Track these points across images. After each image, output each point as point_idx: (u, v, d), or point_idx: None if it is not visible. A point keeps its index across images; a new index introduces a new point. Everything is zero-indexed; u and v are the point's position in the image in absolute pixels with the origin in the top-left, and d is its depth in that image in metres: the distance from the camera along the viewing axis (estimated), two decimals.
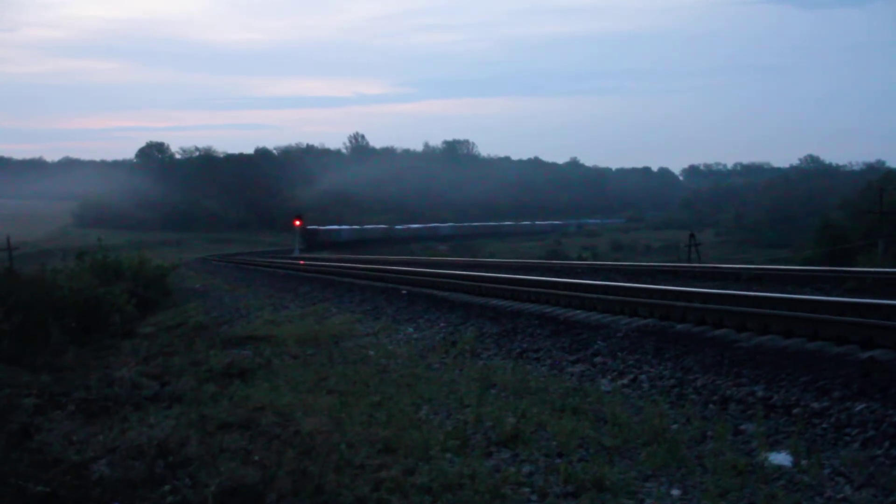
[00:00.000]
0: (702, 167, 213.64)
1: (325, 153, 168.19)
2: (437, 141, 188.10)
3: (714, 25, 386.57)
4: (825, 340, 8.49)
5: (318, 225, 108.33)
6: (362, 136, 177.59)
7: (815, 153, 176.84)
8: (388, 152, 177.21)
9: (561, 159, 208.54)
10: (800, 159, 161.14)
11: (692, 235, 44.36)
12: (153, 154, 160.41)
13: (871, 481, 5.17)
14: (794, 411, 6.62)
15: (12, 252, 43.10)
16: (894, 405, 6.32)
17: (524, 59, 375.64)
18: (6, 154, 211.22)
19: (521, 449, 6.22)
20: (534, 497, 5.26)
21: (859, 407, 6.43)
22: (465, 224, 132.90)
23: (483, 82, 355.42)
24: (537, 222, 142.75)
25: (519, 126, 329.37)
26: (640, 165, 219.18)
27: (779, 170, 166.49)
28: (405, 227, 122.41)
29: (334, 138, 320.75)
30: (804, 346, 8.47)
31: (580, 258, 54.11)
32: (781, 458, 5.68)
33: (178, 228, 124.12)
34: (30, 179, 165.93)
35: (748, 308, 10.03)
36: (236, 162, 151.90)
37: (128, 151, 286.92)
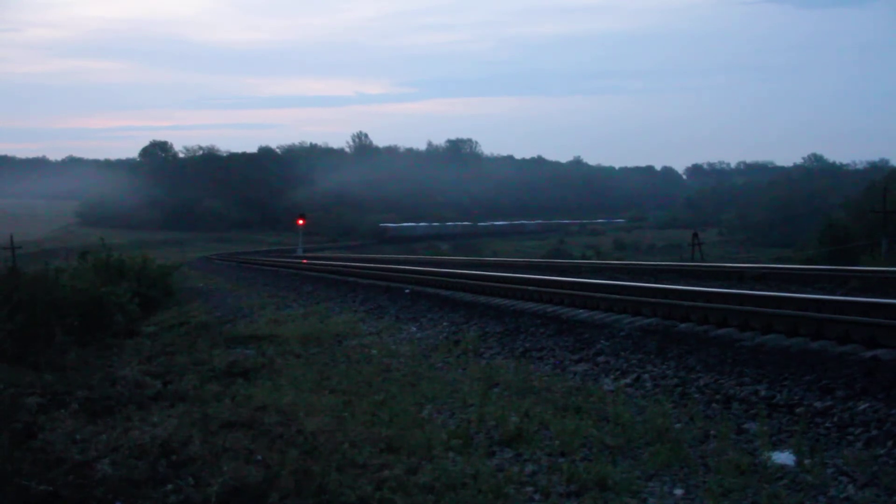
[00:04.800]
0: (705, 166, 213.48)
1: (328, 152, 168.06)
2: (440, 140, 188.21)
3: (717, 25, 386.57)
4: (828, 340, 8.48)
5: (390, 223, 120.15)
6: (365, 136, 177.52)
7: (818, 152, 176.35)
8: (392, 151, 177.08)
9: (564, 158, 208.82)
10: (803, 158, 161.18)
11: (695, 234, 44.34)
12: (156, 153, 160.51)
13: (875, 481, 5.16)
14: (797, 410, 6.61)
15: (15, 251, 43.17)
16: None
17: (527, 58, 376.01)
18: (9, 153, 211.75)
19: (524, 448, 6.22)
20: (537, 496, 5.26)
21: (862, 406, 6.41)
22: (554, 221, 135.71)
23: (486, 82, 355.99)
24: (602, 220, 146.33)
25: (522, 125, 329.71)
26: (643, 164, 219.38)
27: (782, 169, 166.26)
28: (490, 223, 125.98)
29: (337, 138, 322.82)
30: (807, 345, 8.45)
31: (584, 257, 54.10)
32: (784, 458, 5.67)
33: (181, 228, 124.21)
34: (33, 179, 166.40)
35: (751, 307, 10.00)
36: (239, 161, 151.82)
37: (131, 151, 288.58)
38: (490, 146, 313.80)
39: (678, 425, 6.57)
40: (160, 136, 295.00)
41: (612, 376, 8.59)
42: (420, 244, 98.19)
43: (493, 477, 5.51)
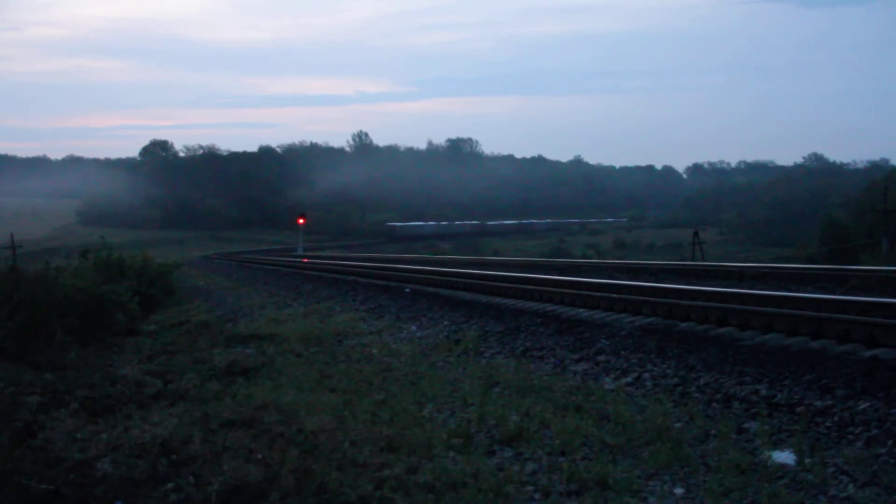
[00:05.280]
0: (705, 165, 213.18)
1: (328, 151, 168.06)
2: (440, 140, 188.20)
3: (717, 25, 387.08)
4: (828, 339, 8.47)
5: (398, 222, 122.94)
6: (366, 135, 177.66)
7: (819, 151, 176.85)
8: (392, 150, 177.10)
9: (564, 158, 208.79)
10: (804, 157, 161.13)
11: (696, 234, 44.30)
12: (157, 152, 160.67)
13: (875, 480, 5.16)
14: (798, 410, 6.61)
15: (16, 250, 43.18)
16: None
17: (527, 58, 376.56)
18: (10, 152, 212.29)
19: (524, 447, 6.22)
20: (537, 495, 5.26)
21: (863, 405, 6.41)
22: (563, 220, 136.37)
23: (486, 82, 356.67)
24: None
25: (522, 125, 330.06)
26: (643, 164, 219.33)
27: (783, 168, 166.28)
28: (499, 222, 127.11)
29: (337, 137, 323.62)
30: (807, 344, 8.45)
31: (584, 256, 54.07)
32: (785, 457, 5.67)
33: (182, 227, 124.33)
34: (33, 178, 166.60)
35: (751, 306, 10.00)
36: (240, 160, 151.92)
37: (131, 150, 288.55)
38: (490, 146, 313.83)
39: (678, 424, 6.57)
40: (160, 135, 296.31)
41: (612, 375, 8.59)
42: (423, 243, 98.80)
43: (494, 476, 5.51)
